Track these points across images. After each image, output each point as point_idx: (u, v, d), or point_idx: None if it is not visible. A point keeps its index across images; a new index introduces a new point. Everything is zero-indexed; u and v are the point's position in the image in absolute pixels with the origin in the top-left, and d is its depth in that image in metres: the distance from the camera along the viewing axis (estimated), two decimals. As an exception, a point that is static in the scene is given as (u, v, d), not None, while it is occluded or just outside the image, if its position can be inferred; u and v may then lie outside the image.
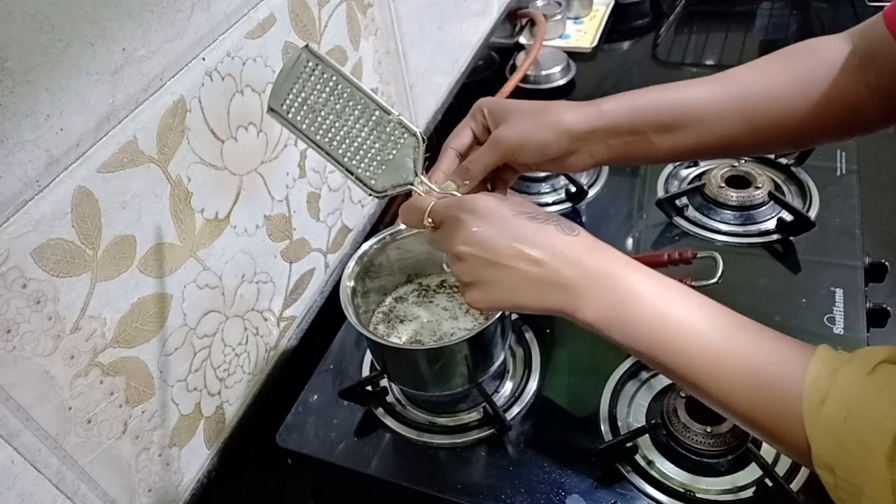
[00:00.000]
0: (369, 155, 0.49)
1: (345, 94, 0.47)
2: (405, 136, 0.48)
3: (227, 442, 0.66)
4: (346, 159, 0.49)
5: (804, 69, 0.52)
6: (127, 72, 0.47)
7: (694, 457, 0.57)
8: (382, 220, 0.89)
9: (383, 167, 0.49)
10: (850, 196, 0.78)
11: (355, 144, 0.48)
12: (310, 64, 0.46)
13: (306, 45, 0.46)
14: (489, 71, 1.17)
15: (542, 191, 0.87)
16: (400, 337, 0.64)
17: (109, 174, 0.47)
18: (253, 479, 0.70)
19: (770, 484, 0.54)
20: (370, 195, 0.50)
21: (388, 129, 0.48)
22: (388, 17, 0.82)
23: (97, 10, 0.44)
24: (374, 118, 0.48)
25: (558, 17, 1.23)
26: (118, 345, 0.51)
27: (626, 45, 1.25)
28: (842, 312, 0.66)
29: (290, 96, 0.47)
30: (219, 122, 0.57)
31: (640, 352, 0.44)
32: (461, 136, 0.57)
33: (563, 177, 0.86)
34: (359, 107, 0.47)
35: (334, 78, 0.47)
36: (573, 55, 1.17)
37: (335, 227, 0.79)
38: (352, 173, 0.49)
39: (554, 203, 0.86)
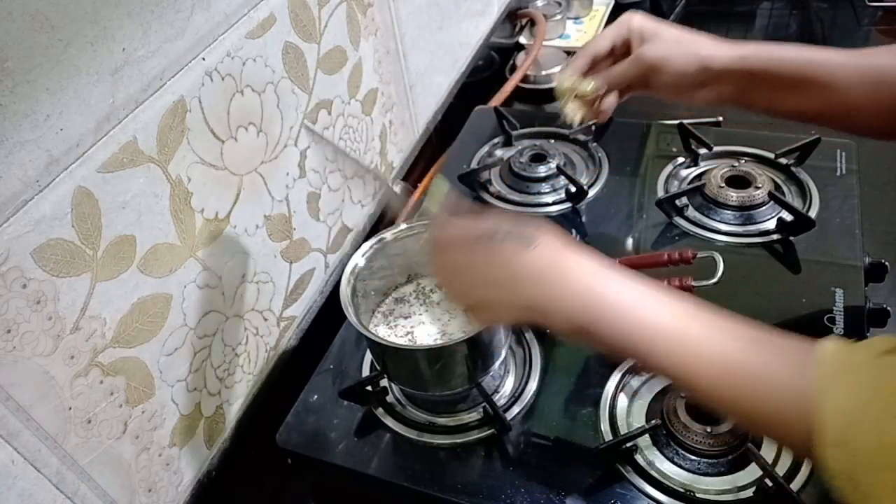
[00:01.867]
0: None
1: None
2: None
3: (228, 442, 0.66)
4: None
5: None
6: (127, 72, 0.47)
7: (694, 457, 0.57)
8: (382, 220, 0.89)
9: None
10: (850, 196, 0.78)
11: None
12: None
13: (303, 124, 0.61)
14: (489, 71, 1.17)
15: (543, 191, 0.87)
16: (400, 337, 0.64)
17: (109, 174, 0.47)
18: (253, 479, 0.70)
19: (770, 484, 0.54)
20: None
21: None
22: (388, 17, 0.82)
23: (97, 10, 0.44)
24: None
25: (558, 17, 1.23)
26: (118, 345, 0.51)
27: (626, 45, 1.25)
28: (842, 312, 0.66)
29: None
30: (219, 122, 0.57)
31: (623, 353, 0.45)
32: (601, 42, 0.65)
33: (562, 177, 0.86)
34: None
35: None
36: (573, 55, 1.16)
37: (335, 227, 0.79)
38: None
39: (554, 203, 0.85)
